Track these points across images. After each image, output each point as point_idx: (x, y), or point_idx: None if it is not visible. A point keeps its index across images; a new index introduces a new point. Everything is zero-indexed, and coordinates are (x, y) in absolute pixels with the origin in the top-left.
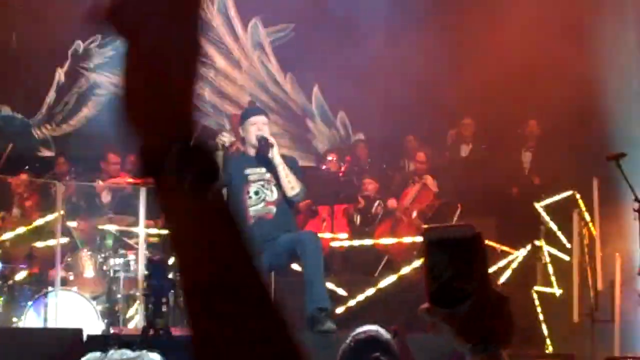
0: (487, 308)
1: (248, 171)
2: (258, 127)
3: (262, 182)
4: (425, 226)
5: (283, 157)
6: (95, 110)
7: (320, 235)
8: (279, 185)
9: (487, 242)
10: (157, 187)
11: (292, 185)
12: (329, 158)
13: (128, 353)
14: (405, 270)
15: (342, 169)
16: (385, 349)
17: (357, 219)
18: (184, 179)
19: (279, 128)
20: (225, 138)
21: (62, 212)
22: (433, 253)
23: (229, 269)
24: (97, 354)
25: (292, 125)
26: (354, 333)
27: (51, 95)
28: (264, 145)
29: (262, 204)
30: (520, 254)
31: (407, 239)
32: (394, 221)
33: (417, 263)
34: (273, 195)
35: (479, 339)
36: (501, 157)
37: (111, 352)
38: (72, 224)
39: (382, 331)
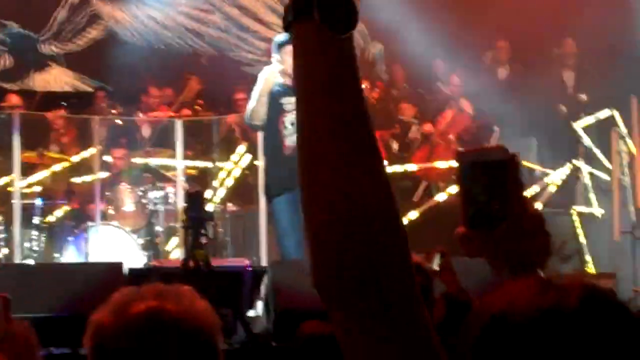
0: (523, 229)
1: (283, 100)
2: None
3: None
4: (459, 150)
5: None
6: (104, 34)
7: None
8: None
9: (526, 163)
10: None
11: None
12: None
13: (160, 286)
14: (444, 195)
15: (375, 95)
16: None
17: (394, 145)
18: (329, 15)
19: None
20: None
21: (99, 147)
22: (468, 177)
23: (356, 118)
24: (130, 288)
25: None
26: None
27: (61, 14)
28: None
29: None
30: (559, 174)
31: (445, 164)
32: (431, 146)
33: (454, 189)
34: None
35: (516, 260)
36: (540, 77)
37: (144, 286)
38: (108, 157)
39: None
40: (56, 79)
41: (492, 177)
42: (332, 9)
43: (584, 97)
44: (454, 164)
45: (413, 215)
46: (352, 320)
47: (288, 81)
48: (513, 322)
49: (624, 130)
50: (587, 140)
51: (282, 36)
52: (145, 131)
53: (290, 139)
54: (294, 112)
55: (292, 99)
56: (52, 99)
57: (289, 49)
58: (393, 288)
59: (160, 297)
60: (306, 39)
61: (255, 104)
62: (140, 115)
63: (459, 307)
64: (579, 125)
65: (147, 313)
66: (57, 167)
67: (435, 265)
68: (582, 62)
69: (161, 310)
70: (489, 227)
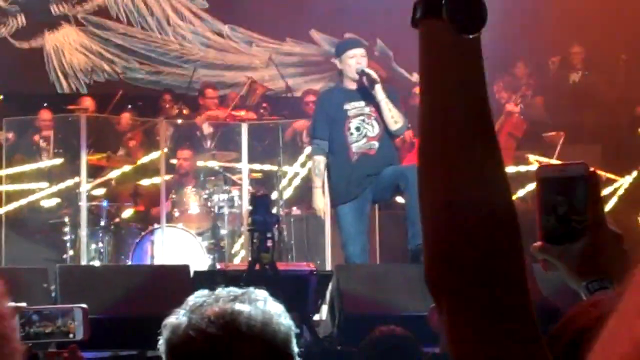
0: (602, 246)
1: (347, 106)
2: (357, 59)
3: (362, 117)
4: (540, 164)
5: (384, 89)
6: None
7: None
8: (380, 120)
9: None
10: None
11: (395, 120)
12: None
13: (235, 290)
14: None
15: None
16: None
17: None
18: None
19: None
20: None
21: (165, 149)
22: (547, 191)
23: (482, 110)
24: (206, 291)
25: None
26: None
27: None
28: (368, 80)
29: (364, 140)
30: (625, 180)
31: (512, 168)
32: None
33: (521, 192)
34: (374, 130)
35: (594, 276)
36: (612, 83)
37: (219, 289)
38: (174, 160)
39: None
40: (65, 37)
41: (571, 192)
42: (461, 9)
43: None
44: (520, 168)
45: None
46: (462, 314)
47: (350, 85)
48: None
49: None
50: None
51: (344, 41)
52: (207, 130)
53: (356, 145)
54: (359, 117)
55: (356, 104)
56: (120, 103)
57: (352, 53)
58: (507, 286)
59: (235, 300)
60: (434, 37)
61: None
62: (199, 117)
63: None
64: None
65: (222, 316)
66: (124, 169)
67: None
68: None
69: (237, 313)
70: (567, 242)
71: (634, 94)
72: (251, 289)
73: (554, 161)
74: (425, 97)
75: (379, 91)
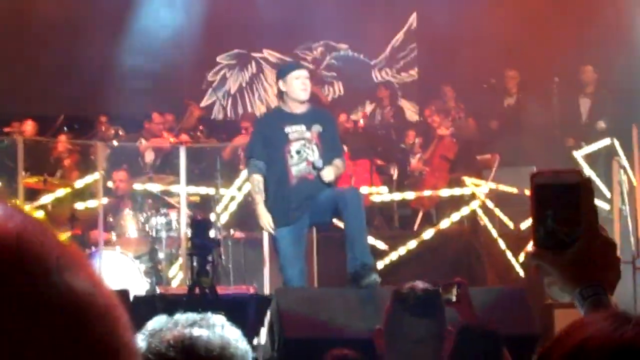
0: (596, 253)
1: (288, 129)
2: (302, 81)
3: (303, 141)
4: (534, 171)
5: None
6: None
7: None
8: (320, 145)
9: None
10: None
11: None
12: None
13: (193, 315)
14: (445, 222)
15: (360, 125)
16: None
17: (395, 173)
18: None
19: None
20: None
21: (102, 172)
22: (541, 198)
23: None
24: (164, 317)
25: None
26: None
27: (398, 37)
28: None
29: (304, 164)
30: None
31: (447, 191)
32: (420, 176)
33: (456, 216)
34: (314, 154)
35: (586, 283)
36: (550, 105)
37: (177, 314)
38: (110, 183)
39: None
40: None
41: (565, 199)
42: None
43: (602, 124)
44: (455, 191)
45: (412, 244)
46: None
47: (293, 108)
48: (590, 357)
49: (624, 159)
50: (586, 169)
51: (288, 63)
52: (149, 157)
53: (296, 169)
54: (300, 140)
55: (297, 127)
56: (55, 125)
57: (297, 74)
58: None
59: (194, 325)
60: None
61: (253, 195)
62: (143, 141)
63: (476, 338)
64: (579, 154)
65: (181, 340)
66: (60, 193)
67: (453, 296)
68: (600, 90)
69: (195, 338)
70: (560, 248)
71: (566, 118)
72: (209, 314)
73: (490, 184)
74: None
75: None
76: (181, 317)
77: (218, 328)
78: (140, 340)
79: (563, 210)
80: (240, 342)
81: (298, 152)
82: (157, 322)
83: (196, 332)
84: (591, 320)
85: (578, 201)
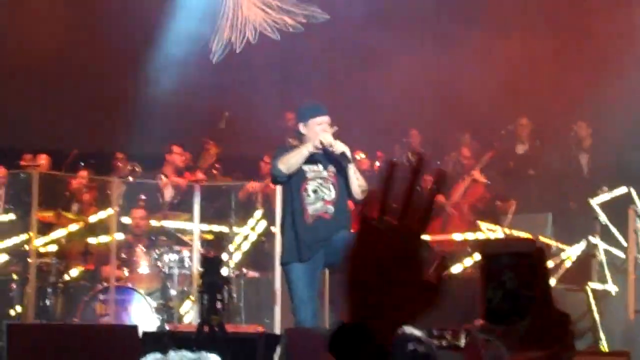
0: (547, 327)
1: (305, 168)
2: (323, 127)
3: (320, 181)
4: (484, 239)
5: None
6: None
7: None
8: (337, 185)
9: (542, 238)
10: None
11: (363, 189)
12: (357, 157)
13: (188, 354)
14: (458, 267)
15: (376, 167)
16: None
17: None
18: None
19: None
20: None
21: (117, 208)
22: (493, 265)
23: None
24: (157, 355)
25: None
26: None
27: None
28: (343, 160)
29: (321, 203)
30: (575, 250)
31: (460, 235)
32: (445, 217)
33: (470, 261)
34: (331, 194)
35: (538, 357)
36: (557, 157)
37: (171, 353)
38: (126, 219)
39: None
40: None
41: (518, 267)
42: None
43: (605, 189)
44: (468, 235)
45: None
46: None
47: (312, 149)
48: None
49: None
50: (603, 217)
51: (309, 106)
52: (168, 194)
53: (313, 208)
54: (317, 180)
55: (314, 167)
56: (74, 161)
57: (319, 120)
58: None
59: None
60: None
61: (295, 154)
62: (163, 177)
63: None
64: (595, 202)
65: None
66: (74, 227)
67: (461, 343)
68: (598, 143)
69: None
70: (512, 316)
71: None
72: (204, 353)
73: (505, 229)
74: None
75: (350, 164)
76: (175, 356)
77: None
78: None
79: (518, 277)
80: None
81: (315, 192)
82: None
83: None
84: None
85: (533, 270)
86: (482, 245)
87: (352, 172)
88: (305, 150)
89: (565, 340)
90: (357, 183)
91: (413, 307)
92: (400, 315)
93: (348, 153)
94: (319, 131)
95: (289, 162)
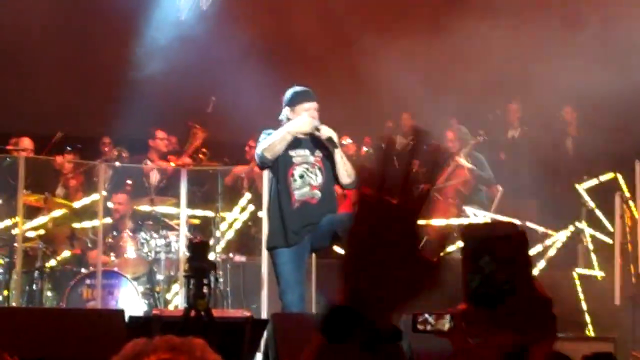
0: (528, 310)
1: (292, 152)
2: (311, 113)
3: (306, 165)
4: (466, 224)
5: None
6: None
7: None
8: (323, 170)
9: (528, 223)
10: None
11: (348, 174)
12: (344, 142)
13: (173, 338)
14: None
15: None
16: None
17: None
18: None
19: None
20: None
21: (104, 193)
22: (473, 249)
23: None
24: (143, 339)
25: None
26: None
27: None
28: (329, 145)
29: (308, 188)
30: (561, 236)
31: (444, 220)
32: (429, 202)
33: (454, 246)
34: (318, 179)
35: (520, 340)
36: (547, 142)
37: (156, 337)
38: (110, 204)
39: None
40: None
41: (500, 252)
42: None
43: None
44: (453, 221)
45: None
46: None
47: (295, 134)
48: None
49: (627, 193)
50: (590, 203)
51: (298, 90)
52: (154, 178)
53: (299, 193)
54: (303, 164)
55: (301, 152)
56: (60, 144)
57: (307, 106)
58: None
59: (174, 350)
60: None
61: (279, 139)
62: (149, 162)
63: None
64: (582, 187)
65: None
66: (59, 212)
67: (445, 327)
68: (584, 128)
69: None
70: (492, 305)
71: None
72: (189, 338)
73: (491, 214)
74: None
75: (337, 147)
76: (160, 340)
77: (198, 352)
78: None
79: (499, 261)
80: None
81: (301, 177)
82: (136, 345)
83: (175, 356)
84: None
85: (514, 254)
86: (464, 229)
87: (339, 157)
88: (289, 136)
89: (547, 325)
90: (344, 168)
91: (413, 286)
92: (399, 294)
93: (335, 138)
94: (307, 117)
95: (273, 150)
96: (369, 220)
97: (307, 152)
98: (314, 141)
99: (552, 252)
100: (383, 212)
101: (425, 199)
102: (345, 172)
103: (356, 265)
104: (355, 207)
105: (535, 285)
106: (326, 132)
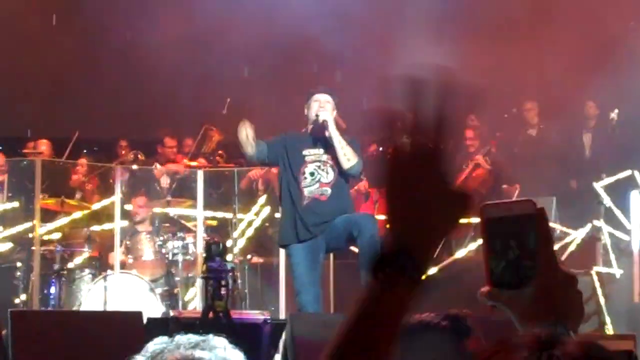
0: (555, 289)
1: (305, 152)
2: (320, 104)
3: (318, 164)
4: (484, 203)
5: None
6: None
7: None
8: (336, 167)
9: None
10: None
11: (348, 157)
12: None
13: (195, 337)
14: (461, 252)
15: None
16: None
17: None
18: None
19: None
20: None
21: (120, 195)
22: (493, 232)
23: None
24: (165, 338)
25: None
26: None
27: None
28: (317, 124)
29: (317, 185)
30: (579, 234)
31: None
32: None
33: (473, 245)
34: (328, 177)
35: (546, 321)
36: (564, 139)
37: (178, 336)
38: (129, 206)
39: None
40: None
41: (520, 232)
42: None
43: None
44: (473, 219)
45: (432, 271)
46: None
47: (310, 130)
48: None
49: None
50: (607, 201)
51: (312, 88)
52: (164, 182)
53: (308, 190)
54: (315, 163)
55: (315, 151)
56: (76, 147)
57: (316, 97)
58: None
59: (196, 347)
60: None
61: (242, 140)
62: (158, 166)
63: None
64: (599, 185)
65: None
66: (77, 215)
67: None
68: (602, 125)
69: None
70: (516, 286)
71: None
72: (210, 336)
73: None
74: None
75: (332, 130)
76: (182, 338)
77: (220, 350)
78: None
79: (520, 243)
80: None
81: (312, 174)
82: (159, 343)
83: (198, 354)
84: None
85: (534, 233)
86: (482, 210)
87: (337, 142)
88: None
89: (574, 302)
90: (342, 152)
91: (452, 217)
92: (441, 228)
93: (330, 120)
94: (314, 107)
95: (245, 146)
96: (401, 161)
97: (320, 150)
98: (328, 140)
99: (570, 251)
100: (414, 151)
101: (449, 134)
102: (344, 155)
103: (397, 211)
104: (387, 155)
105: (558, 263)
106: (323, 115)
